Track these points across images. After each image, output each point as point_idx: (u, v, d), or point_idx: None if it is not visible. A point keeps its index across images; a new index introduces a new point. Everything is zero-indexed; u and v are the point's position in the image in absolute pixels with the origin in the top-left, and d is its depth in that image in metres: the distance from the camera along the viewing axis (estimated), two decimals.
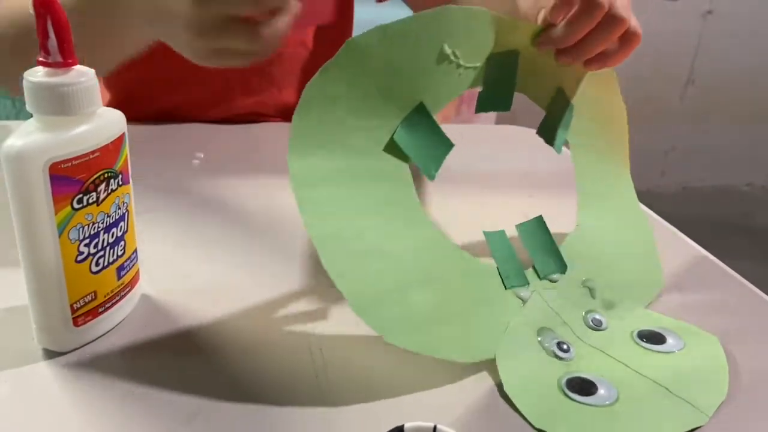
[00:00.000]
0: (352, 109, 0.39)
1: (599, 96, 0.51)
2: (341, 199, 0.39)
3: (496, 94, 0.45)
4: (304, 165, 0.38)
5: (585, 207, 0.50)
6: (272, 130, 0.76)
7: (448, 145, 0.43)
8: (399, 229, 0.40)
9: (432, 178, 0.43)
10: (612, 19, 0.43)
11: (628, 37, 0.45)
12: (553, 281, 0.46)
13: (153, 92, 0.76)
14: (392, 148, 0.41)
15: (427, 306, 0.40)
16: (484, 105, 0.46)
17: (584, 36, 0.44)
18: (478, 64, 0.44)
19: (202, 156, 0.67)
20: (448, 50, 0.41)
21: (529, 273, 0.45)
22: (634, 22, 0.45)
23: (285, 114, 0.80)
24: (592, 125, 0.51)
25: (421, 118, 0.42)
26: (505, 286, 0.43)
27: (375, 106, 0.40)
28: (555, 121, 0.48)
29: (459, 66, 0.42)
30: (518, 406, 0.38)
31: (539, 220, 0.48)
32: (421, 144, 0.42)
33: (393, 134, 0.41)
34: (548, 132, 0.48)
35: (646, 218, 0.54)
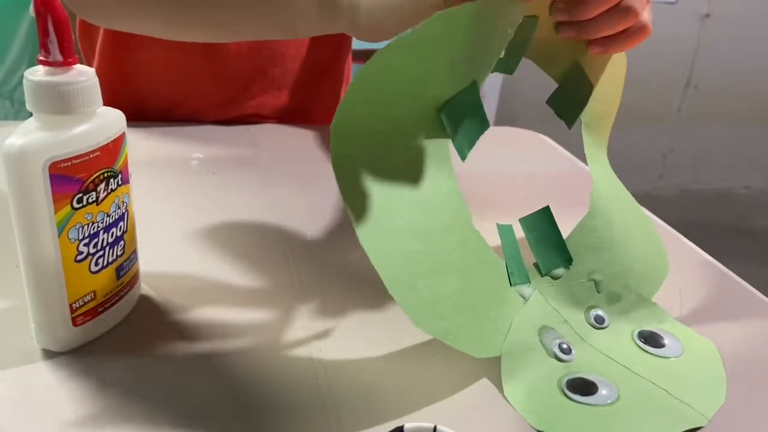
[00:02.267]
0: (416, 80, 0.37)
1: (612, 82, 0.50)
2: (378, 172, 0.37)
3: (506, 57, 0.44)
4: (346, 132, 0.36)
5: (596, 192, 0.48)
6: (271, 131, 0.76)
7: (485, 125, 0.41)
8: (432, 210, 0.39)
9: (464, 158, 0.41)
10: (625, 7, 0.43)
11: (635, 29, 0.45)
12: (556, 277, 0.45)
13: (154, 95, 0.76)
14: (435, 124, 0.39)
15: (453, 294, 0.38)
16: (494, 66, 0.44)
17: (594, 16, 0.44)
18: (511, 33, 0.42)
19: (200, 156, 0.67)
20: (510, 30, 0.40)
21: (531, 270, 0.44)
22: (646, 17, 0.45)
23: (283, 116, 0.80)
24: (601, 108, 0.50)
25: (470, 96, 0.40)
26: (510, 283, 0.43)
27: (441, 80, 0.38)
28: (570, 97, 0.47)
29: (508, 41, 0.40)
30: (518, 409, 0.38)
31: (545, 212, 0.46)
32: (463, 123, 0.40)
33: (440, 109, 0.39)
34: (559, 104, 0.48)
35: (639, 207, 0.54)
